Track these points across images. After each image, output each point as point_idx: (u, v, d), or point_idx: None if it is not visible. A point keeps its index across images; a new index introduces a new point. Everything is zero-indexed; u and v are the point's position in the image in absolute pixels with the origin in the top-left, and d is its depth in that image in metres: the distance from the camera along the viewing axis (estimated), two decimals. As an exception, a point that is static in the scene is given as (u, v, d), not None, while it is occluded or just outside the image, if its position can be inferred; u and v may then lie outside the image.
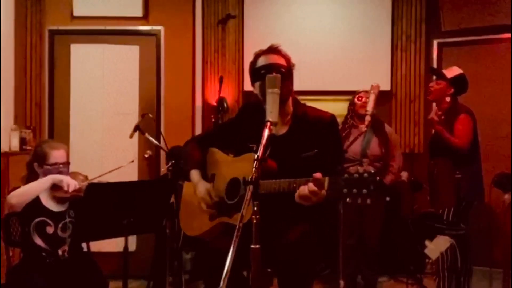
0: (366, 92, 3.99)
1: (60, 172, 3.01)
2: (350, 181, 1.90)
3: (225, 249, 1.71)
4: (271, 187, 2.11)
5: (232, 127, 2.58)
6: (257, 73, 2.37)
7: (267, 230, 2.10)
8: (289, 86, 2.36)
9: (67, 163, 3.07)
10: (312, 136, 2.32)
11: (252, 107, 2.50)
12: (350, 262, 3.93)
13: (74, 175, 3.09)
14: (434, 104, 4.82)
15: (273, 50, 2.41)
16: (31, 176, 3.08)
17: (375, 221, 4.02)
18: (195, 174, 2.50)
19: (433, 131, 3.97)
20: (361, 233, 4.02)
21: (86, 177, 3.11)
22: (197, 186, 2.45)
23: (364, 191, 1.86)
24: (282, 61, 2.37)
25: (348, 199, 1.91)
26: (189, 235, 2.57)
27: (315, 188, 2.00)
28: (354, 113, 4.08)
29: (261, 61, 2.39)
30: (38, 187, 2.91)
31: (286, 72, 2.33)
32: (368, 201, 1.88)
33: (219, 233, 2.39)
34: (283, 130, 2.39)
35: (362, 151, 3.97)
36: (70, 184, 2.87)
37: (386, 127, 4.14)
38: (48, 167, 3.00)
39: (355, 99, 4.09)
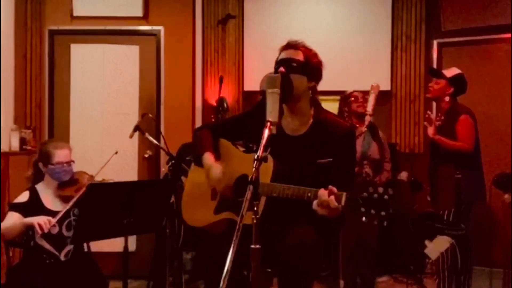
0: (358, 92, 4.00)
1: (64, 171, 3.05)
2: (369, 201, 1.88)
3: (229, 237, 1.70)
4: (284, 192, 2.10)
5: (247, 120, 2.53)
6: (275, 68, 2.35)
7: (269, 231, 2.10)
8: (302, 82, 2.32)
9: (71, 162, 3.10)
10: (330, 144, 2.29)
11: None
12: (350, 263, 3.93)
13: (80, 174, 3.12)
14: (434, 104, 4.84)
15: (291, 45, 2.39)
16: (37, 175, 3.12)
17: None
18: (208, 156, 2.44)
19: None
20: (360, 233, 4.00)
21: (91, 177, 3.13)
22: (211, 169, 2.40)
23: (383, 213, 1.85)
24: (298, 56, 2.33)
25: (364, 218, 1.89)
26: (191, 225, 2.53)
27: (332, 198, 1.99)
28: (351, 113, 4.05)
29: (280, 56, 2.38)
30: (13, 233, 2.89)
31: (299, 66, 2.30)
32: (385, 223, 1.85)
33: (223, 229, 2.35)
34: (301, 131, 2.37)
35: (363, 153, 3.95)
36: (42, 226, 2.80)
37: (380, 133, 4.11)
38: (52, 166, 3.03)
39: (352, 100, 4.05)
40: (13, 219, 2.91)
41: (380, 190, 1.88)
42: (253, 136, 2.38)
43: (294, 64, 2.30)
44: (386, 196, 1.86)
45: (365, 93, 4.03)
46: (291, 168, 2.23)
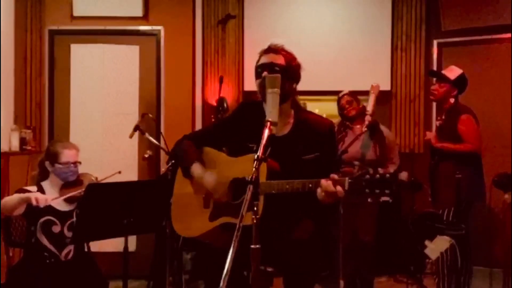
0: (347, 94, 4.00)
1: (71, 171, 3.05)
2: (372, 181, 1.95)
3: (227, 248, 1.70)
4: (284, 187, 2.12)
5: (229, 125, 2.54)
6: (256, 71, 2.39)
7: (272, 230, 2.10)
8: (287, 86, 2.34)
9: (78, 163, 3.10)
10: (313, 141, 2.35)
11: (251, 106, 2.49)
12: (347, 261, 3.91)
13: (84, 176, 3.12)
14: (434, 105, 4.85)
15: (272, 49, 2.42)
16: (43, 175, 3.10)
17: (369, 218, 3.97)
18: (197, 167, 2.44)
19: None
20: (357, 233, 3.98)
21: (96, 179, 3.13)
22: (203, 178, 2.40)
23: (387, 191, 1.93)
24: (280, 60, 2.36)
25: (369, 199, 1.96)
26: (186, 237, 2.52)
27: (339, 188, 2.04)
28: (344, 117, 4.04)
29: (261, 60, 2.41)
30: (10, 204, 2.86)
31: (282, 71, 2.32)
32: (390, 200, 1.94)
33: (221, 233, 2.35)
34: (284, 131, 2.40)
35: (361, 154, 3.93)
36: (39, 199, 2.79)
37: (383, 129, 4.07)
38: (60, 165, 3.03)
39: (342, 107, 4.04)
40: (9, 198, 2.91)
41: (381, 171, 1.96)
42: (238, 140, 2.41)
43: (277, 69, 2.33)
44: (387, 175, 1.94)
45: (359, 93, 4.03)
46: (281, 167, 2.25)
